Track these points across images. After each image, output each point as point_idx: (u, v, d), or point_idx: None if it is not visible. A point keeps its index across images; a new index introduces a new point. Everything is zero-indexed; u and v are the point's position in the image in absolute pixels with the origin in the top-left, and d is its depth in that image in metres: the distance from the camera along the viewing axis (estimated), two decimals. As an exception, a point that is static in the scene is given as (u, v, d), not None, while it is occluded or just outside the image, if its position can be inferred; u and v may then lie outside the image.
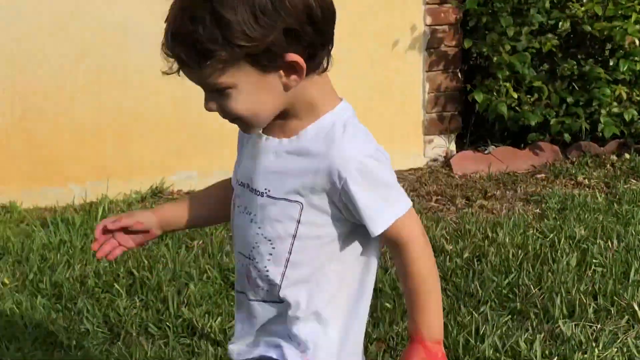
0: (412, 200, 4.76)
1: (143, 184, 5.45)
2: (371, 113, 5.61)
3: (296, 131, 1.77)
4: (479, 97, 5.60)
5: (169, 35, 1.64)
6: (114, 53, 5.32)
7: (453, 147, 5.83)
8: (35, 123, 5.32)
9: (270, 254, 1.80)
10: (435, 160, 5.80)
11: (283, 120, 1.77)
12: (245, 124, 1.75)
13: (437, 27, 5.65)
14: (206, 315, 3.61)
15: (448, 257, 4.14)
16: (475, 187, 5.27)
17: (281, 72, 1.66)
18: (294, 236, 1.77)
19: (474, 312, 3.53)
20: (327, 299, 1.82)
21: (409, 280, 1.78)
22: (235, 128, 1.81)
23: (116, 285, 3.93)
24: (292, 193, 1.76)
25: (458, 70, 5.75)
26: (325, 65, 1.73)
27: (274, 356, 1.85)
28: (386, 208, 1.73)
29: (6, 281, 4.03)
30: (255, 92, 1.68)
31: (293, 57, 1.63)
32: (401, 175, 5.57)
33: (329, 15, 1.69)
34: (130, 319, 3.60)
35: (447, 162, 5.72)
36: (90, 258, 4.27)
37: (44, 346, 3.42)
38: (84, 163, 5.41)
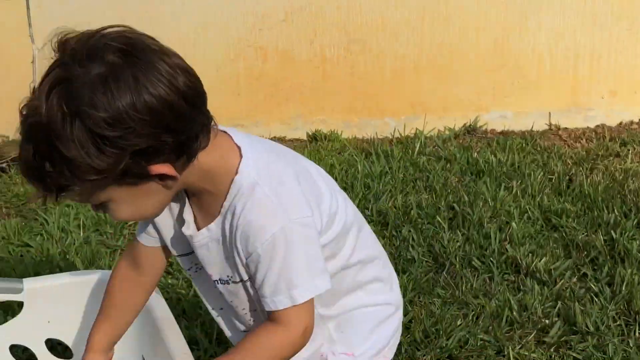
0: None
1: (457, 121, 5.51)
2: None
3: (216, 211, 1.70)
4: None
5: (24, 173, 1.55)
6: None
7: None
8: (358, 56, 5.50)
9: (250, 312, 1.83)
10: None
11: (197, 198, 1.72)
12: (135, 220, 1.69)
13: None
14: (530, 254, 3.64)
15: None
16: None
17: (154, 180, 1.57)
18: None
19: None
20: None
21: (255, 332, 1.70)
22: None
23: (438, 218, 4.03)
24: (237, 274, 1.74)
25: None
26: (206, 141, 1.61)
27: None
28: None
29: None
30: (133, 200, 1.60)
31: (158, 169, 1.54)
32: None
33: (195, 98, 1.56)
34: (454, 252, 3.70)
35: None
36: (411, 189, 4.42)
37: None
38: (401, 97, 5.54)
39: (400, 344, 3.03)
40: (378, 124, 5.53)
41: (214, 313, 1.94)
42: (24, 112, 1.51)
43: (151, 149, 1.50)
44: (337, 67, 5.51)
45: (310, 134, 5.51)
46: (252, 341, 1.68)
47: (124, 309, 2.01)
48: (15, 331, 2.26)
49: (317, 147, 5.24)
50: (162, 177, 1.56)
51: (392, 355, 1.93)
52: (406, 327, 3.15)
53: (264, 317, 1.74)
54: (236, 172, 1.65)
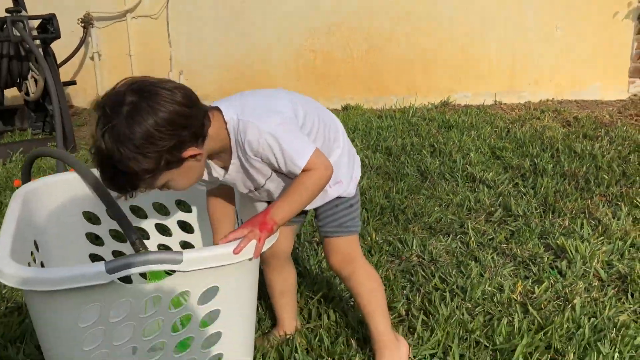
0: (619, 120, 4.43)
1: (436, 99, 5.41)
2: (594, 62, 5.26)
3: (229, 154, 1.66)
4: (672, 52, 5.06)
5: (110, 187, 1.55)
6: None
7: (649, 87, 5.33)
8: (374, 57, 5.41)
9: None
10: (635, 95, 5.31)
11: (217, 155, 1.67)
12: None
13: (647, 2, 5.13)
14: (482, 171, 3.56)
15: (648, 150, 3.83)
16: (665, 113, 4.81)
17: (189, 159, 1.54)
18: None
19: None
20: None
21: (296, 179, 1.63)
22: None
23: (423, 151, 3.95)
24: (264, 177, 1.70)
25: (659, 34, 5.20)
26: (209, 123, 1.57)
27: None
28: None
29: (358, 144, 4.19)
30: (183, 176, 1.56)
31: (188, 153, 1.51)
32: (610, 104, 5.18)
33: (192, 102, 1.51)
34: (434, 170, 3.62)
35: (644, 96, 5.25)
36: (406, 135, 4.34)
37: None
38: (401, 83, 5.45)
39: (397, 219, 2.98)
40: (386, 100, 5.46)
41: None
42: (92, 151, 1.50)
43: (178, 143, 1.49)
44: (361, 64, 5.44)
45: (343, 106, 5.43)
46: (295, 185, 1.63)
47: (225, 217, 1.94)
48: (151, 199, 2.18)
49: (347, 114, 5.16)
50: (193, 156, 1.54)
51: (359, 176, 1.88)
52: (402, 210, 3.09)
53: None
54: (225, 123, 1.61)
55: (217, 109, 1.62)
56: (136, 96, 1.46)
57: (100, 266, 1.54)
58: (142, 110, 1.45)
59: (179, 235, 2.29)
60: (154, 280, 1.90)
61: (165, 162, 1.49)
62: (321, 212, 1.84)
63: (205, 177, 1.75)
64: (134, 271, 1.57)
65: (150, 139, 1.44)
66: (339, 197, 1.82)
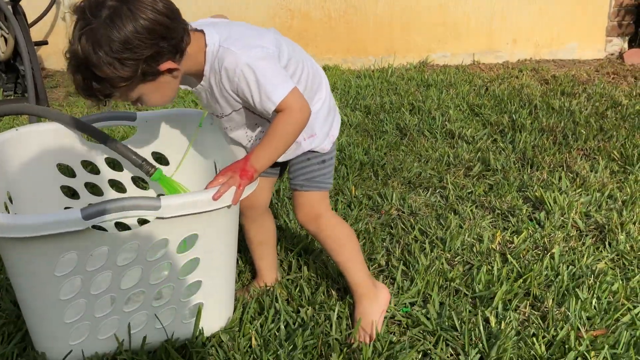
0: (597, 78, 4.45)
1: (415, 59, 5.36)
2: (572, 21, 5.25)
3: (200, 76, 1.63)
4: (649, 11, 5.07)
5: (79, 91, 1.51)
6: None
7: (626, 46, 5.33)
8: (352, 16, 5.34)
9: (246, 129, 1.75)
10: (612, 54, 5.32)
11: (192, 76, 1.65)
12: (163, 104, 1.63)
13: (625, -40, 5.12)
14: (461, 127, 3.54)
15: (625, 107, 3.84)
16: (641, 72, 4.83)
17: (165, 74, 1.53)
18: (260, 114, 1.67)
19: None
20: None
21: (272, 124, 1.59)
22: None
23: (402, 109, 3.94)
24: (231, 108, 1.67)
25: (636, -8, 5.20)
26: (188, 39, 1.54)
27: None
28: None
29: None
30: (157, 91, 1.55)
31: (165, 65, 1.50)
32: (587, 63, 5.19)
33: (173, 14, 1.49)
34: (413, 127, 3.60)
35: (620, 55, 5.24)
36: (385, 94, 4.31)
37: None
38: (379, 43, 5.39)
39: (376, 175, 2.97)
40: (364, 61, 5.40)
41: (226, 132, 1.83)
42: (68, 55, 1.47)
43: (156, 54, 1.47)
44: (339, 24, 5.36)
45: (321, 66, 5.35)
46: (272, 130, 1.58)
47: None
48: (131, 146, 2.13)
49: (326, 74, 5.06)
50: (170, 71, 1.53)
51: (336, 134, 1.85)
52: (381, 166, 3.08)
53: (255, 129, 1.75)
54: (205, 45, 1.58)
55: (201, 31, 1.59)
56: (117, 1, 1.43)
57: (76, 213, 1.51)
58: (122, 14, 1.42)
59: (155, 188, 2.25)
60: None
61: (142, 72, 1.47)
62: (292, 164, 1.82)
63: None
64: (110, 217, 1.54)
65: (128, 45, 1.43)
66: (311, 151, 1.79)
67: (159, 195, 2.08)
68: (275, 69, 1.57)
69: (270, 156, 1.61)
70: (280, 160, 1.74)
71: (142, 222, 1.69)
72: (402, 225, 2.49)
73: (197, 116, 2.10)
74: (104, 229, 1.89)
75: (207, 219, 1.64)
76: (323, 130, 1.79)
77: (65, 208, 2.14)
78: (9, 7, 4.11)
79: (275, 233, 2.10)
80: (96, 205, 1.52)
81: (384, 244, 2.36)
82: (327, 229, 1.82)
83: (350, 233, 1.88)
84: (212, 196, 1.58)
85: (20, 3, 4.31)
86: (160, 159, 2.19)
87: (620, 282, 2.04)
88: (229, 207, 1.62)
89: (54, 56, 5.55)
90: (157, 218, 1.58)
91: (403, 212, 2.62)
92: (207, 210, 1.60)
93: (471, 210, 2.60)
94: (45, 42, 5.06)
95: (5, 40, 4.35)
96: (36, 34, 5.29)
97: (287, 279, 2.12)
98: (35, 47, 4.50)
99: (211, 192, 1.59)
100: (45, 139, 2.04)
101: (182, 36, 1.52)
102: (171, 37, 1.49)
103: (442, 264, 2.18)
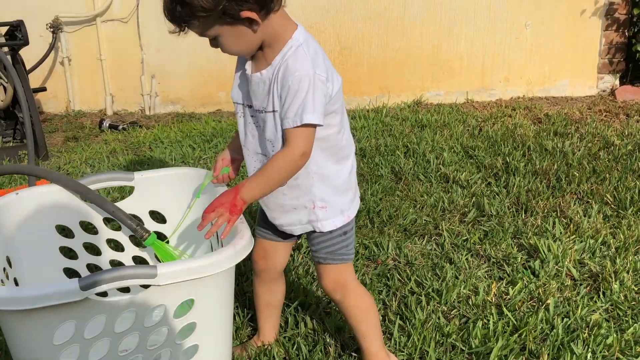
0: (589, 116, 4.51)
1: (409, 98, 5.43)
2: (563, 59, 5.33)
3: (270, 60, 1.61)
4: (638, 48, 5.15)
5: (164, 13, 1.56)
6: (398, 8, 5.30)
7: (617, 82, 5.41)
8: (347, 57, 5.41)
9: (273, 151, 1.66)
10: (604, 91, 5.40)
11: (262, 51, 1.62)
12: (237, 55, 1.66)
13: (613, 0, 5.19)
14: (455, 171, 3.58)
15: (618, 147, 3.88)
16: (632, 109, 4.89)
17: (245, 23, 1.53)
18: (282, 136, 1.62)
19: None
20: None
21: (271, 158, 1.61)
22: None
23: (397, 152, 3.96)
24: (272, 106, 1.62)
25: (626, 30, 5.27)
26: (278, 5, 1.56)
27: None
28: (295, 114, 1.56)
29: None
30: (234, 38, 1.56)
31: (246, 14, 1.51)
32: (580, 100, 5.26)
33: None
34: (408, 171, 3.63)
35: (612, 92, 5.31)
36: (380, 136, 4.35)
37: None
38: (373, 83, 5.46)
39: (372, 223, 2.99)
40: (359, 100, 5.46)
41: (244, 142, 1.77)
42: None
43: None
44: (334, 64, 5.37)
45: (317, 107, 5.41)
46: (270, 164, 1.60)
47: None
48: (128, 205, 2.16)
49: (321, 114, 5.13)
50: (250, 22, 1.53)
51: (353, 215, 1.81)
52: (377, 214, 3.10)
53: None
54: (291, 37, 1.59)
55: (295, 24, 1.62)
56: None
57: (73, 283, 1.52)
58: None
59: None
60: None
61: (222, 9, 1.49)
62: (314, 236, 1.80)
63: (239, 75, 1.73)
64: (107, 287, 1.56)
65: None
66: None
67: (154, 265, 2.10)
68: (322, 99, 1.57)
69: (261, 190, 1.62)
70: (297, 232, 1.78)
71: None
72: (398, 276, 2.51)
73: (196, 175, 2.13)
74: (103, 294, 1.90)
75: (203, 284, 1.65)
76: (336, 201, 1.76)
77: (65, 269, 2.15)
78: (9, 57, 4.17)
79: (284, 296, 2.09)
80: (93, 276, 1.54)
81: (381, 296, 2.37)
82: (352, 298, 1.83)
83: (372, 302, 1.89)
84: (204, 236, 1.62)
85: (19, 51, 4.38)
86: (158, 218, 2.21)
87: (615, 336, 2.06)
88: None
89: (53, 100, 5.61)
90: (154, 286, 1.60)
91: (399, 262, 2.64)
92: (202, 277, 1.62)
93: (466, 259, 2.62)
94: (43, 89, 5.12)
95: (5, 89, 4.40)
96: (35, 79, 5.35)
97: (284, 337, 2.13)
98: (33, 93, 4.56)
99: (208, 258, 1.61)
100: (44, 201, 2.06)
101: None
102: None
103: (439, 318, 2.19)
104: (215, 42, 1.60)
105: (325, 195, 1.73)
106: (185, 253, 2.15)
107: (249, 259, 1.85)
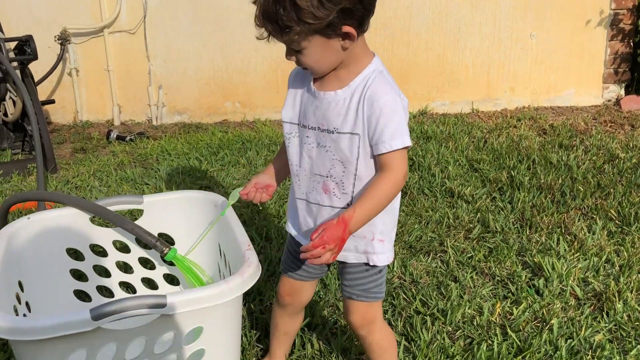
0: (594, 127, 4.51)
1: (414, 108, 5.42)
2: (568, 69, 5.35)
3: (346, 81, 1.59)
4: (644, 58, 5.16)
5: (260, 14, 1.50)
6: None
7: (622, 92, 5.41)
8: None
9: (343, 172, 1.63)
10: (609, 100, 5.41)
11: (335, 70, 1.59)
12: (313, 72, 1.60)
13: (619, 10, 5.20)
14: (460, 185, 3.60)
15: (622, 161, 3.90)
16: (637, 119, 4.90)
17: (340, 38, 1.51)
18: (357, 158, 1.60)
19: None
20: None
21: (373, 183, 1.56)
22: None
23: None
24: (351, 127, 1.58)
25: (631, 40, 5.28)
26: (367, 28, 1.55)
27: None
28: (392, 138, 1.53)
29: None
30: (321, 52, 1.53)
31: (348, 29, 1.49)
32: (585, 110, 5.27)
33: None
34: (413, 185, 3.65)
35: (617, 102, 5.32)
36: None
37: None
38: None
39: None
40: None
41: (299, 162, 1.71)
42: None
43: (349, 11, 1.47)
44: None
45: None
46: (374, 190, 1.54)
47: (283, 167, 1.83)
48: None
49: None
50: (345, 37, 1.51)
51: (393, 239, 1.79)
52: (383, 230, 3.12)
53: (353, 179, 1.62)
54: (370, 62, 1.59)
55: (372, 53, 1.62)
56: None
57: (85, 313, 1.56)
58: None
59: (161, 268, 2.31)
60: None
61: (328, 24, 1.47)
62: (349, 272, 1.78)
63: (297, 92, 1.70)
64: (118, 317, 1.59)
65: None
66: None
67: (165, 277, 2.14)
68: (406, 124, 1.58)
69: (368, 217, 1.56)
70: (350, 260, 1.73)
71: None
72: (403, 295, 2.53)
73: (204, 199, 2.17)
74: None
75: (211, 312, 1.68)
76: (391, 236, 1.74)
77: (75, 291, 2.19)
78: (17, 71, 4.22)
79: (301, 325, 2.11)
80: (105, 306, 1.57)
81: (387, 316, 2.40)
82: (377, 336, 1.84)
83: (395, 341, 1.91)
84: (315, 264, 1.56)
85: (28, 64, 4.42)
86: (167, 241, 2.25)
87: (618, 358, 2.08)
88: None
89: (61, 111, 5.65)
90: (163, 315, 1.63)
91: (404, 281, 2.66)
92: (211, 305, 1.65)
93: (471, 277, 2.64)
94: (52, 101, 5.16)
95: (14, 102, 4.45)
96: (43, 90, 5.40)
97: (292, 358, 2.16)
98: (42, 105, 4.60)
99: (215, 287, 1.64)
100: (55, 225, 2.10)
101: (369, 17, 1.53)
102: (367, 6, 1.51)
103: (444, 339, 2.22)
104: (295, 53, 1.55)
105: (385, 228, 1.72)
106: (203, 270, 2.18)
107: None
